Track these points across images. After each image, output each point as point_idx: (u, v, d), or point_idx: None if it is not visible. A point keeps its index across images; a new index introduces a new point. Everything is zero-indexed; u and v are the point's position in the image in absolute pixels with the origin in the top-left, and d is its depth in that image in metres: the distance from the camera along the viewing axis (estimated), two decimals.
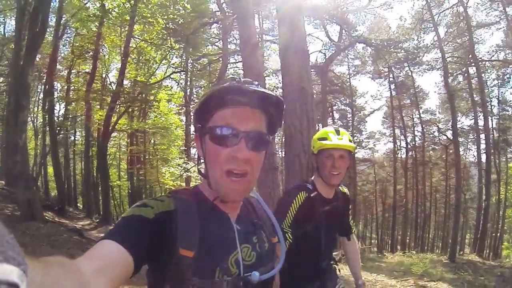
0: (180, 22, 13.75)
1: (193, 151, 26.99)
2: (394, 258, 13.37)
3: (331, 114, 28.70)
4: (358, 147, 30.29)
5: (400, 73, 26.14)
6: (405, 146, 28.98)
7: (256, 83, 0.98)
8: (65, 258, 0.66)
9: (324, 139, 2.21)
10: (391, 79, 26.56)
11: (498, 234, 21.76)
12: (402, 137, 28.90)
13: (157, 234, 0.92)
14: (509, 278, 8.26)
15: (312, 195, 2.22)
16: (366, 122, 31.89)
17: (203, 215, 1.03)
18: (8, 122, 11.11)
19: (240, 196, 1.04)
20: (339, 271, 2.47)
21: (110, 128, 15.70)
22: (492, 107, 22.32)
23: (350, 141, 2.21)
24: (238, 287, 1.00)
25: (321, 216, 2.22)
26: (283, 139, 8.93)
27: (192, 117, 1.10)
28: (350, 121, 29.27)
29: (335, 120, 30.14)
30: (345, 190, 2.50)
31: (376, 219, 35.35)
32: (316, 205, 2.22)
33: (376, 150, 33.09)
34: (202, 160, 1.06)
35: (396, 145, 28.73)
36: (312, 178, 2.36)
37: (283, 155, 6.93)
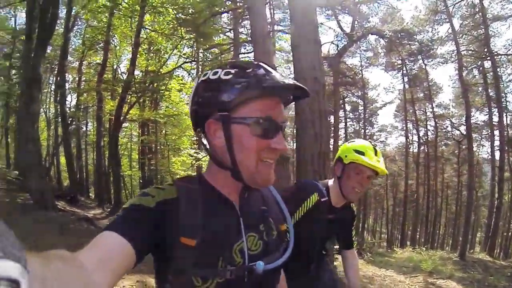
0: (190, 12, 13.67)
1: (205, 141, 27.21)
2: (404, 253, 13.29)
3: (343, 106, 28.46)
4: (369, 140, 30.03)
5: (413, 66, 25.53)
6: (417, 140, 28.61)
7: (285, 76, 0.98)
8: (65, 252, 0.65)
9: (362, 153, 2.05)
10: (404, 71, 26.04)
11: (510, 234, 21.40)
12: (414, 131, 28.52)
13: (159, 223, 0.91)
14: None
15: (322, 200, 2.10)
16: (378, 115, 31.66)
17: (207, 202, 1.01)
18: (21, 114, 11.23)
19: (272, 180, 1.03)
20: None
21: (122, 118, 15.72)
22: (507, 103, 21.66)
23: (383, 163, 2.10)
24: (242, 277, 0.98)
25: (323, 224, 2.13)
26: (294, 131, 8.95)
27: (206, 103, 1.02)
28: (362, 114, 29.06)
29: (347, 112, 29.94)
30: (353, 206, 2.39)
31: (387, 214, 35.11)
32: (323, 211, 2.11)
33: (388, 143, 32.83)
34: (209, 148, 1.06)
35: (408, 139, 28.37)
36: (328, 182, 2.24)
37: (295, 146, 6.88)
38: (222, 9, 14.42)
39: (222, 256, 0.96)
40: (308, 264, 2.23)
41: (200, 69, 21.64)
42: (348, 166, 2.08)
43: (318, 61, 6.51)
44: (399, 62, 25.25)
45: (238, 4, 13.77)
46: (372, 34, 19.87)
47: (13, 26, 19.67)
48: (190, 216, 0.96)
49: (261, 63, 0.96)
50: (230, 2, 14.66)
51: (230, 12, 15.83)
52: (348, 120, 30.24)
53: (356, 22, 18.46)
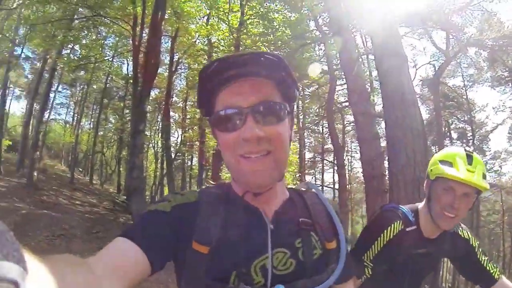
0: (279, 45, 14.28)
1: (308, 177, 27.15)
2: None
3: (448, 133, 26.21)
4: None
5: None
6: None
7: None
8: (75, 257, 0.66)
9: (449, 164, 1.61)
10: None
11: None
12: None
13: (174, 227, 0.87)
14: None
15: (408, 229, 1.70)
16: (489, 140, 28.28)
17: (230, 209, 0.93)
18: (130, 145, 12.82)
19: (266, 178, 0.87)
20: None
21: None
22: None
23: (483, 176, 1.58)
24: None
25: (410, 259, 1.72)
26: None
27: None
28: (471, 141, 26.33)
29: (454, 141, 27.44)
30: (466, 235, 1.82)
31: (503, 257, 30.30)
32: (408, 244, 1.70)
33: (503, 172, 28.82)
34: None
35: None
36: (418, 206, 1.81)
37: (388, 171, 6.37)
38: (310, 41, 14.75)
39: (236, 271, 0.84)
40: None
41: (299, 104, 22.29)
42: (435, 183, 1.67)
43: (405, 76, 6.11)
44: (506, 74, 22.13)
45: (326, 34, 13.94)
46: (470, 46, 17.92)
47: (126, 72, 22.80)
48: (207, 222, 0.89)
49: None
50: (319, 33, 14.93)
51: (320, 43, 16.07)
52: None
53: (450, 36, 17.15)
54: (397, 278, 1.78)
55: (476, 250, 1.81)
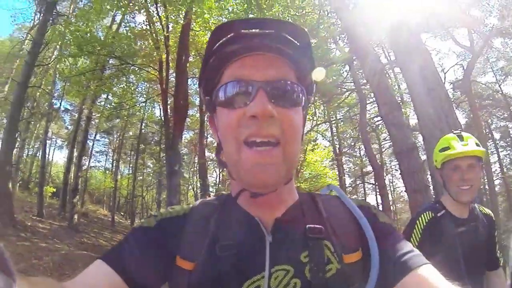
0: None
1: None
2: None
3: (490, 135, 24.76)
4: None
5: None
6: None
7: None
8: (53, 281, 0.62)
9: (447, 148, 1.95)
10: None
11: None
12: None
13: (158, 244, 0.77)
14: None
15: (439, 214, 1.93)
16: None
17: (223, 220, 0.79)
18: (167, 186, 13.30)
19: (272, 174, 0.69)
20: None
21: None
22: None
23: (477, 145, 1.91)
24: None
25: (456, 240, 1.85)
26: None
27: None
28: None
29: (497, 141, 25.92)
30: (487, 211, 2.07)
31: None
32: (446, 226, 1.89)
33: None
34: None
35: None
36: (441, 197, 2.09)
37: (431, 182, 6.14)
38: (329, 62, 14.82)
39: None
40: None
41: (332, 129, 22.25)
42: (443, 169, 1.99)
43: (429, 70, 5.93)
44: None
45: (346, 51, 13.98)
46: (494, 37, 17.27)
47: (159, 117, 23.58)
48: (195, 236, 0.77)
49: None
50: (339, 53, 15.02)
51: (344, 64, 16.06)
52: (500, 149, 25.51)
53: (472, 31, 16.56)
54: (451, 265, 1.71)
55: (495, 233, 2.06)
